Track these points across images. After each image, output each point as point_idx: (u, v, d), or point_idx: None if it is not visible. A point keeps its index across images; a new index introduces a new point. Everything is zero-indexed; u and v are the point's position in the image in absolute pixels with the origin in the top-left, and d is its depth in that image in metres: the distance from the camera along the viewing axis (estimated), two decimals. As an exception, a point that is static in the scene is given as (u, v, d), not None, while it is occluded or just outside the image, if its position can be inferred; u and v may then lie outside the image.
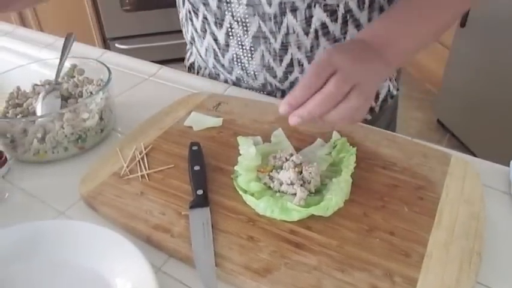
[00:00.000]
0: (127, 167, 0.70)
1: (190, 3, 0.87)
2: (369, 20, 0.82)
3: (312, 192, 0.64)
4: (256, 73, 0.87)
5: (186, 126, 0.79)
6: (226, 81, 0.97)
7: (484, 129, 2.21)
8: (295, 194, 0.62)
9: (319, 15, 0.78)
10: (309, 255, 0.56)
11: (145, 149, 0.74)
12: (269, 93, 0.92)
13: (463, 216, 0.61)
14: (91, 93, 0.77)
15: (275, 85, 0.89)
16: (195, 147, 0.71)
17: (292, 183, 0.63)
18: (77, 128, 0.72)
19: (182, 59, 1.12)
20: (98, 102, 0.74)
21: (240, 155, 0.69)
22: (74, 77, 0.82)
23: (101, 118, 0.75)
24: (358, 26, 0.82)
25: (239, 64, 0.88)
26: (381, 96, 0.94)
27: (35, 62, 0.85)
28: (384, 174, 0.68)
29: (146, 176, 0.68)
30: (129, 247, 0.55)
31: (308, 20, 0.79)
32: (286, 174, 0.64)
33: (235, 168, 0.67)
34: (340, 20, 0.80)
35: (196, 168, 0.67)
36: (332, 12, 0.79)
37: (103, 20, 2.84)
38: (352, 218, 0.61)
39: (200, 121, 0.79)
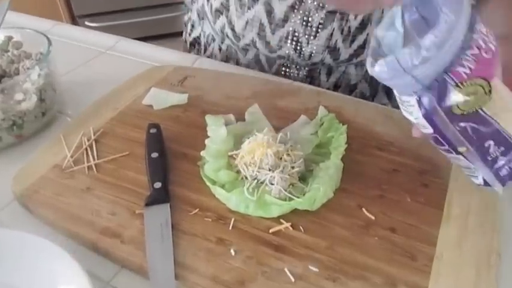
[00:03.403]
0: (71, 156, 0.58)
1: None
2: None
3: (295, 181, 0.52)
4: (313, 54, 0.75)
5: (145, 105, 0.67)
6: (237, 63, 0.84)
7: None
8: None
9: None
10: (293, 260, 0.45)
11: (94, 134, 0.61)
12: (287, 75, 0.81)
13: (476, 207, 0.51)
14: (28, 69, 0.64)
15: (328, 64, 0.77)
16: (153, 130, 0.59)
17: (270, 170, 0.52)
18: (10, 112, 0.59)
19: (159, 36, 0.99)
20: (34, 80, 0.61)
21: (209, 137, 0.58)
22: (9, 51, 0.68)
23: (40, 99, 0.63)
24: None
25: (293, 43, 0.75)
26: None
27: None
28: (380, 157, 0.57)
29: (94, 167, 0.56)
30: (66, 259, 0.44)
31: None
32: (264, 160, 0.52)
33: (202, 153, 0.55)
34: None
35: (154, 155, 0.56)
36: None
37: (71, -5, 2.66)
38: (345, 211, 0.50)
39: (161, 98, 0.67)
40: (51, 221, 0.51)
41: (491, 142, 0.42)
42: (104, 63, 0.83)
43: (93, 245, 0.48)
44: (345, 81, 0.80)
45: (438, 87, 0.39)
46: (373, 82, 0.81)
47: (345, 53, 0.74)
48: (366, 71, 0.78)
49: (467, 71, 0.38)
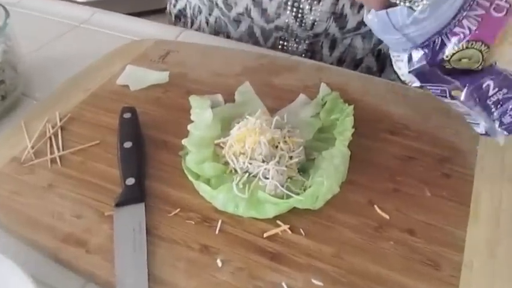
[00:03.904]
0: (32, 147, 0.49)
1: None
2: None
3: (294, 174, 0.44)
4: (316, 23, 0.66)
5: (121, 86, 0.58)
6: (228, 36, 0.75)
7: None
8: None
9: None
10: (292, 272, 0.38)
11: (61, 119, 0.53)
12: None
13: (509, 200, 0.43)
14: (-17, 45, 0.55)
15: (333, 35, 0.68)
16: (127, 114, 0.51)
17: (264, 162, 0.44)
18: (-38, 95, 0.51)
19: (152, 12, 0.89)
20: (-12, 58, 0.52)
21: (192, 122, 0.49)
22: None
23: (-1, 81, 0.54)
24: None
25: (294, 10, 0.65)
26: None
27: None
28: (393, 142, 0.49)
29: (58, 160, 0.48)
30: (17, 275, 0.36)
31: None
32: (256, 149, 0.44)
33: (184, 142, 0.47)
34: None
35: (128, 145, 0.47)
36: None
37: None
38: (353, 209, 0.42)
39: (139, 77, 0.58)
40: (5, 225, 0.43)
41: (490, 83, 0.37)
42: (78, 38, 0.73)
43: (53, 255, 0.40)
44: (350, 56, 0.71)
45: (431, 47, 0.36)
46: (380, 56, 0.72)
47: (352, 21, 0.65)
48: (374, 43, 0.69)
49: (466, 32, 0.35)
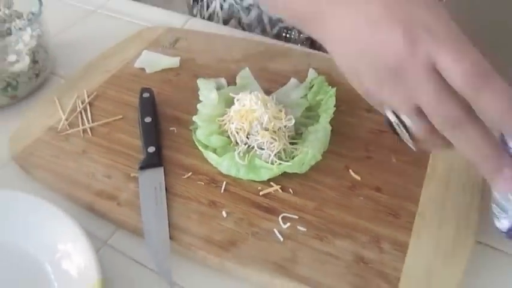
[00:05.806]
0: (66, 119, 0.59)
1: None
2: None
3: (285, 146, 0.54)
4: None
5: (138, 68, 0.67)
6: (239, 23, 0.83)
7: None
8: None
9: None
10: (282, 221, 0.48)
11: (88, 96, 0.62)
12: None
13: (459, 165, 0.52)
14: (20, 29, 0.64)
15: None
16: (146, 94, 0.60)
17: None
18: (4, 73, 0.60)
19: None
20: (27, 41, 0.61)
21: (201, 101, 0.58)
22: (0, 10, 0.68)
23: (33, 61, 0.63)
24: None
25: None
26: None
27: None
28: (368, 118, 0.58)
29: (89, 131, 0.58)
30: (63, 218, 0.45)
31: None
32: (253, 127, 0.53)
33: (194, 118, 0.56)
34: None
35: (148, 119, 0.56)
36: None
37: None
38: (332, 173, 0.52)
39: (154, 61, 0.67)
40: (49, 182, 0.52)
41: None
42: (96, 23, 0.82)
43: (89, 207, 0.50)
44: None
45: None
46: None
47: None
48: None
49: None
